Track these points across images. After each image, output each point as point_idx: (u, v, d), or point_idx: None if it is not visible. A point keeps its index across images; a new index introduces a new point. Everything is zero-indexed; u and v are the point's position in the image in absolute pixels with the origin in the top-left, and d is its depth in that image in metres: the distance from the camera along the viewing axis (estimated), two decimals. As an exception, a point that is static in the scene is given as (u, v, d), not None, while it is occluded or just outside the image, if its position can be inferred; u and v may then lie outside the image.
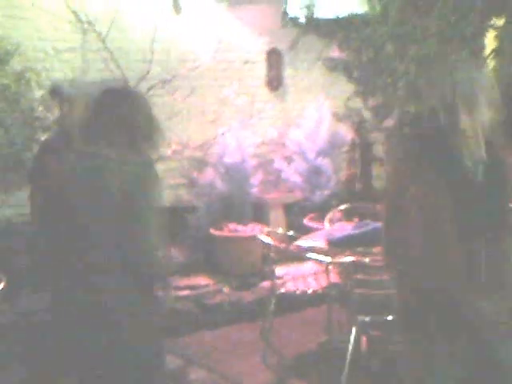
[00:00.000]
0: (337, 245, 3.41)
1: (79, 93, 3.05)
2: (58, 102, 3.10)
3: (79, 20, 4.58)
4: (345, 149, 5.60)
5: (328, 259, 3.28)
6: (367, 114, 5.79)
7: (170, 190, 4.85)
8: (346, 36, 5.59)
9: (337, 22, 5.57)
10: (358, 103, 5.78)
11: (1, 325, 3.48)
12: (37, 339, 3.33)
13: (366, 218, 4.02)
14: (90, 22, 4.59)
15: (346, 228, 3.57)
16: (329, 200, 5.14)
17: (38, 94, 4.27)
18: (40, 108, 4.22)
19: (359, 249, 3.33)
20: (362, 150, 5.69)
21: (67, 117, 2.95)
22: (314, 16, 5.52)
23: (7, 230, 4.22)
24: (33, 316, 3.63)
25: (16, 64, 4.21)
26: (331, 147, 5.32)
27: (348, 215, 4.43)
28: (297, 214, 5.23)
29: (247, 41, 5.33)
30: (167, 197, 4.91)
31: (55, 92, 3.16)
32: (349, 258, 3.19)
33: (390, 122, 5.79)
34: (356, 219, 4.21)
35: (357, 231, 3.43)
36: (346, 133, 5.50)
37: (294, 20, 5.48)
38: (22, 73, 4.24)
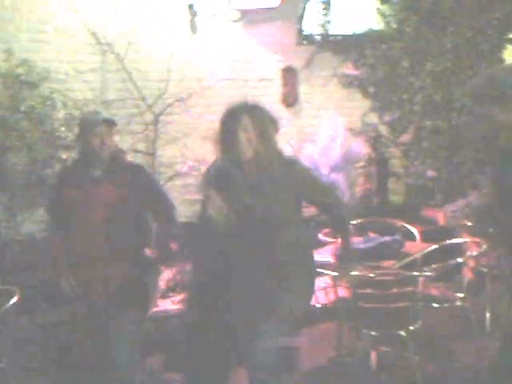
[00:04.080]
0: (345, 259, 3.44)
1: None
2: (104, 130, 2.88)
3: (98, 42, 4.75)
4: (360, 164, 5.63)
5: (336, 274, 3.32)
6: (383, 129, 5.83)
7: (186, 205, 4.95)
8: (361, 52, 5.67)
9: (352, 38, 5.65)
10: (373, 118, 5.83)
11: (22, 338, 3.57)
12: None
13: (380, 232, 4.05)
14: (108, 44, 4.75)
15: (355, 243, 3.61)
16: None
17: (61, 114, 4.44)
18: (62, 128, 4.38)
19: (367, 263, 3.38)
20: (378, 165, 5.72)
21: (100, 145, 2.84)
22: (330, 33, 5.61)
23: (30, 246, 4.36)
24: (53, 328, 3.75)
25: (44, 86, 4.39)
26: (346, 162, 5.37)
27: (362, 230, 4.46)
28: (312, 229, 5.27)
29: (262, 59, 5.44)
30: (183, 212, 5.02)
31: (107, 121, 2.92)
32: (355, 273, 3.23)
33: (406, 137, 5.82)
34: (371, 234, 4.24)
35: (364, 246, 3.47)
36: (361, 148, 5.54)
37: (309, 37, 5.58)
38: (48, 95, 4.41)
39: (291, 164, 2.59)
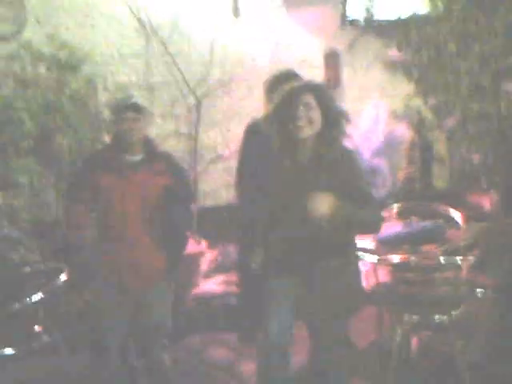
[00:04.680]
0: (385, 243, 3.44)
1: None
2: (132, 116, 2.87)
3: (143, 26, 4.82)
4: (403, 148, 5.56)
5: (375, 258, 3.31)
6: (427, 114, 5.72)
7: (227, 188, 4.99)
8: (405, 35, 5.55)
9: (397, 22, 5.54)
10: (417, 102, 5.73)
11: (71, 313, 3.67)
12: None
13: (422, 217, 4.01)
14: (152, 28, 4.81)
15: (395, 227, 3.59)
16: (385, 199, 5.13)
17: (104, 97, 4.53)
18: (106, 111, 4.46)
19: (407, 247, 3.35)
20: (421, 149, 5.63)
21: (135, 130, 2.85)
22: (374, 18, 5.52)
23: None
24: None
25: (86, 69, 4.47)
26: (388, 146, 5.31)
27: (403, 214, 4.42)
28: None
29: (305, 42, 5.40)
30: (225, 195, 5.08)
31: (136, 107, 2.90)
32: (395, 257, 3.22)
33: (451, 121, 5.70)
34: (413, 218, 4.20)
35: (404, 230, 3.44)
36: (404, 132, 5.46)
37: (353, 22, 5.50)
38: (91, 78, 4.49)
39: (348, 157, 2.48)
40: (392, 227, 3.66)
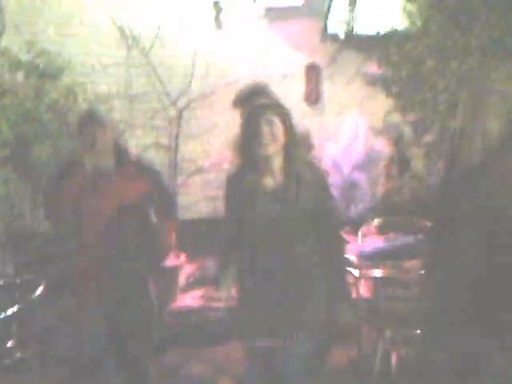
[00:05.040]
0: (367, 258, 3.43)
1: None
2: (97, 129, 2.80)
3: (124, 35, 4.77)
4: (382, 163, 5.59)
5: (357, 273, 3.31)
6: (406, 129, 5.78)
7: (207, 201, 4.96)
8: (385, 51, 5.61)
9: (376, 37, 5.60)
10: (396, 118, 5.78)
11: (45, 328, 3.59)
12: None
13: (401, 231, 4.02)
14: (134, 38, 4.77)
15: (377, 242, 3.59)
16: (365, 214, 5.14)
17: (84, 107, 4.46)
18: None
19: (389, 262, 3.35)
20: (400, 164, 5.67)
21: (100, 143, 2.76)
22: (354, 32, 5.57)
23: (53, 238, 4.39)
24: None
25: (65, 79, 4.41)
26: (368, 162, 5.34)
27: (383, 229, 4.43)
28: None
29: (286, 56, 5.42)
30: (204, 208, 5.04)
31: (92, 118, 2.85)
32: (377, 272, 3.22)
33: (429, 138, 5.77)
34: (391, 233, 4.21)
35: (387, 245, 3.45)
36: (384, 147, 5.50)
37: (334, 36, 5.54)
38: (71, 87, 4.43)
39: (316, 172, 2.48)
40: (373, 242, 3.66)
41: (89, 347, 2.82)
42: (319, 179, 2.47)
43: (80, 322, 2.87)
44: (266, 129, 2.34)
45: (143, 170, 2.93)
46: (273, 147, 2.36)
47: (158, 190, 2.94)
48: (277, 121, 2.37)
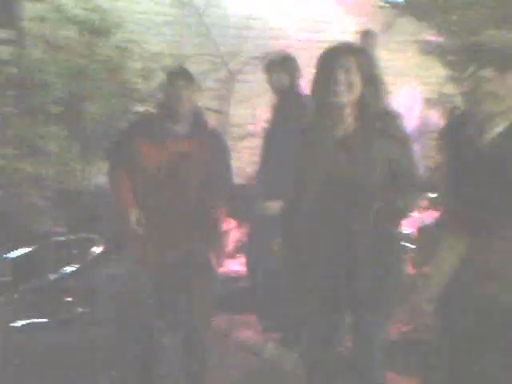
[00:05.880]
0: (424, 232, 3.34)
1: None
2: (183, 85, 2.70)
3: (178, -6, 4.67)
4: (436, 135, 5.44)
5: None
6: (460, 101, 5.59)
7: (255, 166, 4.88)
8: (445, 19, 5.40)
9: (437, 4, 5.39)
10: (451, 89, 5.60)
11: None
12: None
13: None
14: (188, -4, 4.66)
15: (437, 214, 3.48)
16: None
17: (138, 65, 4.39)
18: (139, 80, 4.33)
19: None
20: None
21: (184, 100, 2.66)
22: (414, -3, 5.38)
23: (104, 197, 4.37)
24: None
25: (118, 36, 4.33)
26: (421, 133, 5.19)
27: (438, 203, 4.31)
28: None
29: (341, 20, 5.25)
30: (254, 173, 4.97)
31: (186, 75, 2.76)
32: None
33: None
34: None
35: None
36: (438, 119, 5.34)
37: (392, 0, 5.35)
38: (124, 45, 4.36)
39: (393, 118, 2.20)
40: (433, 214, 3.55)
41: (140, 310, 2.80)
42: (396, 130, 2.20)
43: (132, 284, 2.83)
44: (341, 76, 2.13)
45: (215, 142, 2.85)
46: (347, 97, 2.12)
47: (222, 162, 2.88)
48: (354, 67, 2.21)
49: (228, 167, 2.95)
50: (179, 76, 2.70)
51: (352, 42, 2.36)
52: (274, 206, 3.18)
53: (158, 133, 2.72)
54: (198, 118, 2.80)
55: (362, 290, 2.21)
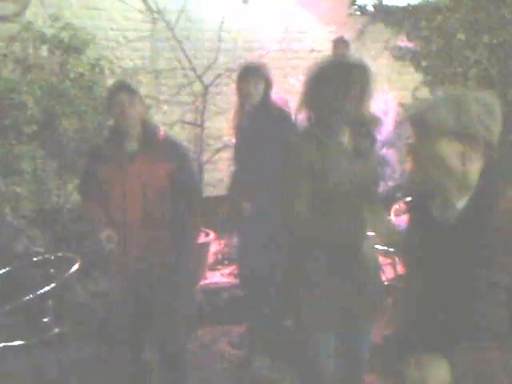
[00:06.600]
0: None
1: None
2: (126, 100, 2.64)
3: (149, 9, 4.67)
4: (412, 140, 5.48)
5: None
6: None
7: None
8: (415, 24, 5.46)
9: (406, 10, 5.45)
10: (426, 93, 5.65)
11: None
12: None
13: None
14: (159, 12, 4.66)
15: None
16: (394, 191, 5.05)
17: (111, 81, 4.38)
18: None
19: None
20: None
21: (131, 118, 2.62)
22: (383, 3, 5.42)
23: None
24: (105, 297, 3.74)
25: (90, 53, 4.32)
26: (397, 138, 5.23)
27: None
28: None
29: (314, 29, 5.30)
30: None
31: (127, 89, 2.68)
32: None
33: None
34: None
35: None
36: (413, 123, 5.38)
37: (362, 8, 5.40)
38: (97, 61, 4.34)
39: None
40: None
41: (120, 323, 2.79)
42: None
43: (112, 300, 2.82)
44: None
45: (171, 151, 2.80)
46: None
47: (183, 170, 2.83)
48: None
49: (191, 174, 2.92)
50: (120, 90, 2.64)
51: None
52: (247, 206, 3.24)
53: (111, 155, 2.67)
54: (148, 131, 2.72)
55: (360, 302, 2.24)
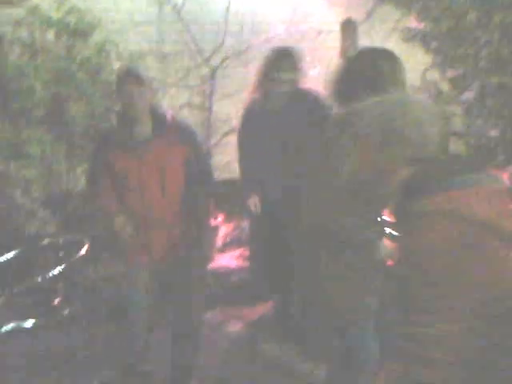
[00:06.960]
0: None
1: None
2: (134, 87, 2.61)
3: (156, -9, 4.65)
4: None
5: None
6: (444, 86, 5.59)
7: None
8: (424, 5, 5.39)
9: (416, -10, 5.38)
10: (435, 75, 5.59)
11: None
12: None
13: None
14: (166, -7, 4.64)
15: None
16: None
17: (117, 65, 4.37)
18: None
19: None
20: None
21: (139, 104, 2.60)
22: (392, -16, 5.35)
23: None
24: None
25: (97, 37, 4.30)
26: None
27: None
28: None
29: (322, 11, 5.24)
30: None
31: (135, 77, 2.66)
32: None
33: (468, 95, 5.57)
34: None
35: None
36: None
37: (371, -11, 5.34)
38: (103, 45, 4.33)
39: None
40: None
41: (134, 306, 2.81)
42: None
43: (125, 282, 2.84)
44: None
45: (182, 132, 2.79)
46: None
47: (197, 153, 2.83)
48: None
49: (204, 156, 2.93)
50: (127, 76, 2.62)
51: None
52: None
53: (121, 141, 2.67)
54: (157, 115, 2.71)
55: None
